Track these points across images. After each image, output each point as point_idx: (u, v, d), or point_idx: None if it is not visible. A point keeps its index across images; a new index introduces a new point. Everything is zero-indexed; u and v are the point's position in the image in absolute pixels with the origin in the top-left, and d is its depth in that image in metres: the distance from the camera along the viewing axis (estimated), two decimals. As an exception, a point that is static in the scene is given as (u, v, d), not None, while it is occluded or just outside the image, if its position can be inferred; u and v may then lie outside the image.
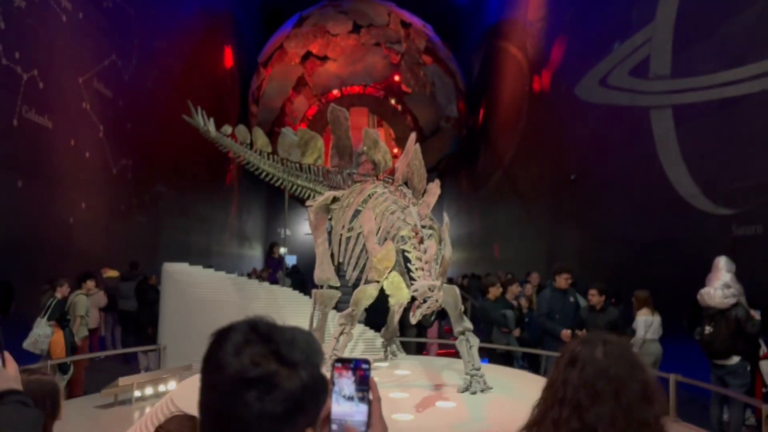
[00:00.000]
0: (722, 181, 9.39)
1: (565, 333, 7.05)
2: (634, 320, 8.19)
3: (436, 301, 4.00)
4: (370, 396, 1.21)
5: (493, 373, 5.19)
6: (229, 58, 24.87)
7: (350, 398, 1.19)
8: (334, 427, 1.18)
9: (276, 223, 30.98)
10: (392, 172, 5.92)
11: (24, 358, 6.53)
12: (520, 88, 19.86)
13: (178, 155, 17.86)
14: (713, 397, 6.47)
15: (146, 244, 15.20)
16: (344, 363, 1.23)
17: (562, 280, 7.58)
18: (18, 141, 9.49)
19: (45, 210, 10.40)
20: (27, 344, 7.23)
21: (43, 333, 7.25)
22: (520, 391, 4.83)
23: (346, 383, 1.20)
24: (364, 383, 1.21)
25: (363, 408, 1.19)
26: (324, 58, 23.46)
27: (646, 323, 7.93)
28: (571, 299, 7.54)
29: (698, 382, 5.84)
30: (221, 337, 1.08)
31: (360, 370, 1.21)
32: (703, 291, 6.80)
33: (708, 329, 6.51)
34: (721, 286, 6.69)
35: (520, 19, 20.23)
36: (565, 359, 1.53)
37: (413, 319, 4.01)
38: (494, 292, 8.20)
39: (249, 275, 14.00)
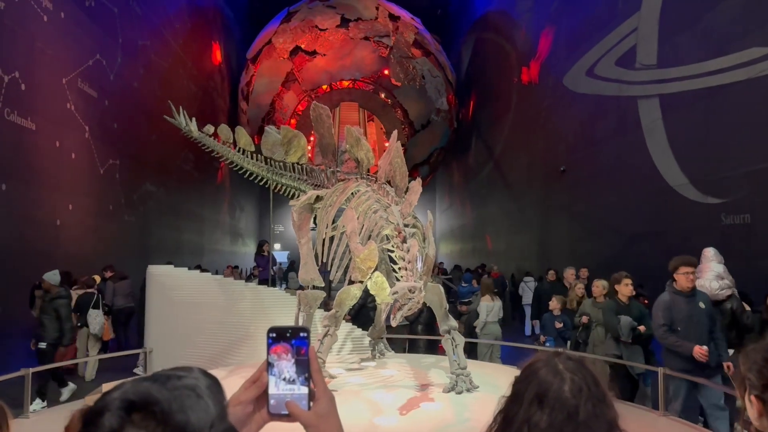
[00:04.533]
0: (710, 171, 9.37)
1: (699, 350, 5.39)
2: (478, 305, 9.37)
3: (418, 302, 3.96)
4: (311, 369, 1.14)
5: (480, 370, 5.15)
6: (217, 54, 24.70)
7: (291, 381, 1.14)
8: (272, 402, 1.13)
9: (268, 219, 30.93)
10: (376, 170, 5.87)
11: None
12: (509, 79, 19.82)
13: (167, 153, 17.74)
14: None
15: (135, 244, 15.11)
16: (281, 339, 1.15)
17: (684, 278, 5.77)
18: (1, 144, 9.37)
19: (31, 212, 10.30)
20: (96, 330, 9.82)
21: (102, 320, 9.93)
22: (507, 388, 4.80)
23: (285, 366, 1.14)
24: (305, 364, 1.14)
25: (304, 387, 1.14)
26: (313, 53, 23.34)
27: (488, 308, 9.09)
28: (701, 305, 5.77)
29: (687, 376, 5.80)
30: (90, 423, 0.90)
31: (301, 349, 1.15)
32: (697, 283, 6.73)
33: None
34: (714, 277, 6.62)
35: (508, 10, 20.16)
36: (531, 393, 1.39)
37: (393, 322, 3.97)
38: (623, 290, 6.79)
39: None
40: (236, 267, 18.72)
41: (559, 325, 8.26)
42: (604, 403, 1.37)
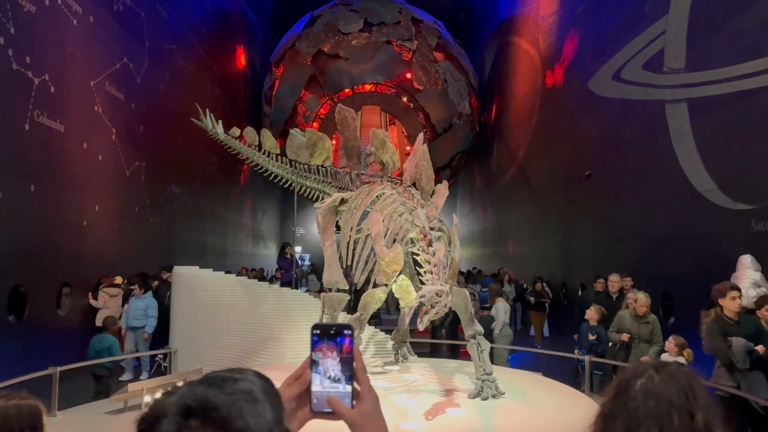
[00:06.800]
0: (740, 176, 9.18)
1: None
2: (493, 307, 9.60)
3: (445, 306, 3.93)
4: (356, 367, 1.13)
5: (505, 377, 5.09)
6: (241, 58, 24.92)
7: (336, 380, 1.12)
8: (315, 400, 1.12)
9: (290, 221, 31.08)
10: (401, 172, 5.86)
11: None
12: (533, 83, 19.68)
13: (192, 156, 17.92)
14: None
15: (160, 246, 15.26)
16: (326, 337, 1.14)
17: None
18: (30, 145, 9.51)
19: (58, 213, 10.44)
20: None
21: None
22: (532, 396, 4.75)
23: (330, 364, 1.13)
24: (349, 362, 1.13)
25: (348, 386, 1.13)
26: (335, 57, 23.42)
27: (505, 309, 9.39)
28: None
29: (716, 384, 5.67)
30: (147, 429, 0.88)
31: (345, 347, 1.13)
32: None
33: None
34: (751, 285, 6.48)
35: (532, 14, 20.03)
36: (619, 385, 1.44)
37: (420, 326, 3.94)
38: (729, 305, 5.51)
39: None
40: (255, 270, 18.84)
41: (592, 337, 7.71)
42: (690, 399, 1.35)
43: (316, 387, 1.12)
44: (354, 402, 1.13)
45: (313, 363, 1.14)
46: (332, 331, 1.15)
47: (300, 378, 1.15)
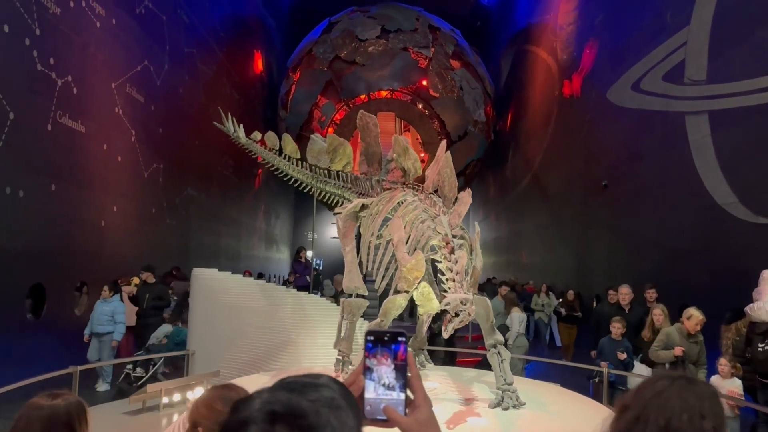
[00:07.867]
0: (761, 189, 9.10)
1: None
2: (508, 317, 9.45)
3: (469, 314, 3.91)
4: (409, 373, 1.12)
5: (526, 387, 5.06)
6: (258, 63, 25.08)
7: (390, 387, 1.11)
8: (368, 407, 1.11)
9: (303, 226, 31.17)
10: (422, 179, 5.85)
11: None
12: (550, 92, 19.62)
13: (208, 159, 18.04)
14: (760, 418, 6.18)
15: (176, 247, 15.36)
16: (380, 344, 1.13)
17: None
18: (52, 146, 9.63)
19: (77, 213, 10.55)
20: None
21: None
22: (553, 407, 4.71)
23: (385, 372, 1.12)
24: (403, 369, 1.12)
25: (402, 394, 1.12)
26: (352, 63, 23.48)
27: (520, 319, 9.27)
28: None
29: (737, 399, 5.61)
30: None
31: (400, 354, 1.12)
32: (755, 305, 6.50)
33: (761, 347, 6.17)
34: None
35: (550, 22, 20.00)
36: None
37: (445, 334, 3.92)
38: None
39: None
40: (262, 275, 18.91)
41: (622, 356, 7.25)
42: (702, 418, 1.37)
43: (369, 394, 1.12)
44: (407, 410, 1.12)
45: (366, 370, 1.13)
46: (386, 338, 1.14)
47: (353, 384, 1.14)
